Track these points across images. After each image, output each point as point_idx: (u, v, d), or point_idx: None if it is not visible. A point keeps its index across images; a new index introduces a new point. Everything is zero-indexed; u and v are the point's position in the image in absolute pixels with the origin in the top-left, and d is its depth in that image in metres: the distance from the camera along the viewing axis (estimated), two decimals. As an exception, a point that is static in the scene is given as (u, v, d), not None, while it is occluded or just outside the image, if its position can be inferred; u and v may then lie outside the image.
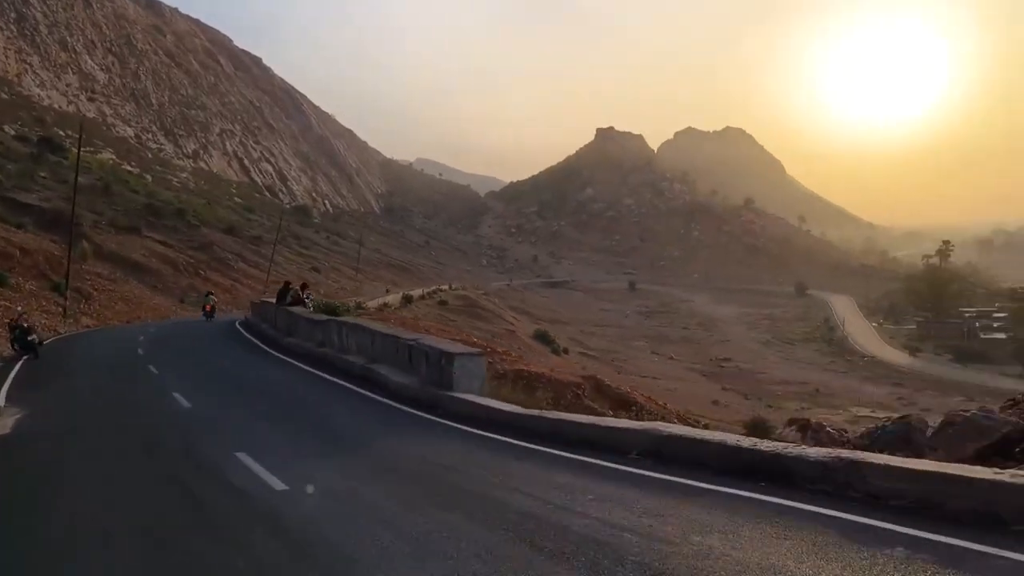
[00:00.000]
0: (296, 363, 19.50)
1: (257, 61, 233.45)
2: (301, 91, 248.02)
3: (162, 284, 49.54)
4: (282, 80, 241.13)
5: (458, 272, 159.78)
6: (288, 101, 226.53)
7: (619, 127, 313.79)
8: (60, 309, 35.27)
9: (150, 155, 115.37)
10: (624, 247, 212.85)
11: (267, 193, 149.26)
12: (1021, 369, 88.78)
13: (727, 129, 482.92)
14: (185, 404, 13.48)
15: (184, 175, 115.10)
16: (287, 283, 28.25)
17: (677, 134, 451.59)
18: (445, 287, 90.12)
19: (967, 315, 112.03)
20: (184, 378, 17.06)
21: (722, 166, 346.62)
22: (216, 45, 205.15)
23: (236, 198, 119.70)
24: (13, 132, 66.49)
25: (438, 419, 11.27)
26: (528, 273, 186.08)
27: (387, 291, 70.24)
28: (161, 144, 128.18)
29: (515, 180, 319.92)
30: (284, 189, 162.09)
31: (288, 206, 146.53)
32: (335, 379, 16.34)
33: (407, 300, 62.14)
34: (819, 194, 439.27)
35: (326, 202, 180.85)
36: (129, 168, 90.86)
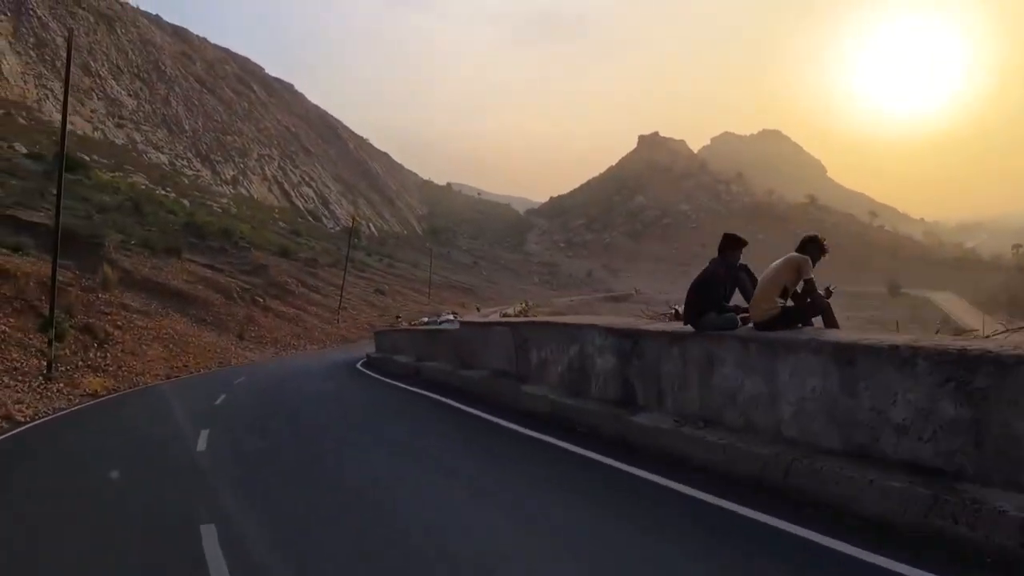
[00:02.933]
0: None
1: (289, 87, 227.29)
2: (335, 116, 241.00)
3: (212, 316, 38.14)
4: (315, 106, 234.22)
5: (512, 291, 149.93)
6: (323, 126, 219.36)
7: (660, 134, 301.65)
8: (40, 364, 21.32)
9: (187, 181, 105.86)
10: (685, 255, 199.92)
11: (310, 218, 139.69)
12: None
13: (764, 132, 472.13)
14: None
15: (225, 200, 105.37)
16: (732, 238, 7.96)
17: (714, 139, 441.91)
18: (522, 305, 78.76)
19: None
20: None
21: (764, 169, 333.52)
22: (247, 73, 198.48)
23: (280, 223, 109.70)
24: (25, 150, 56.30)
25: None
26: (585, 288, 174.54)
27: (478, 310, 59.89)
28: (198, 170, 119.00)
29: (555, 195, 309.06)
30: (327, 213, 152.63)
31: (334, 229, 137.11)
32: None
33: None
34: (866, 193, 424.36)
35: (370, 225, 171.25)
36: (164, 192, 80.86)
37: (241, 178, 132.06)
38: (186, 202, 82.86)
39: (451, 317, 36.36)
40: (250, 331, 39.37)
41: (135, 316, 30.40)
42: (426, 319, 44.14)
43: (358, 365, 23.19)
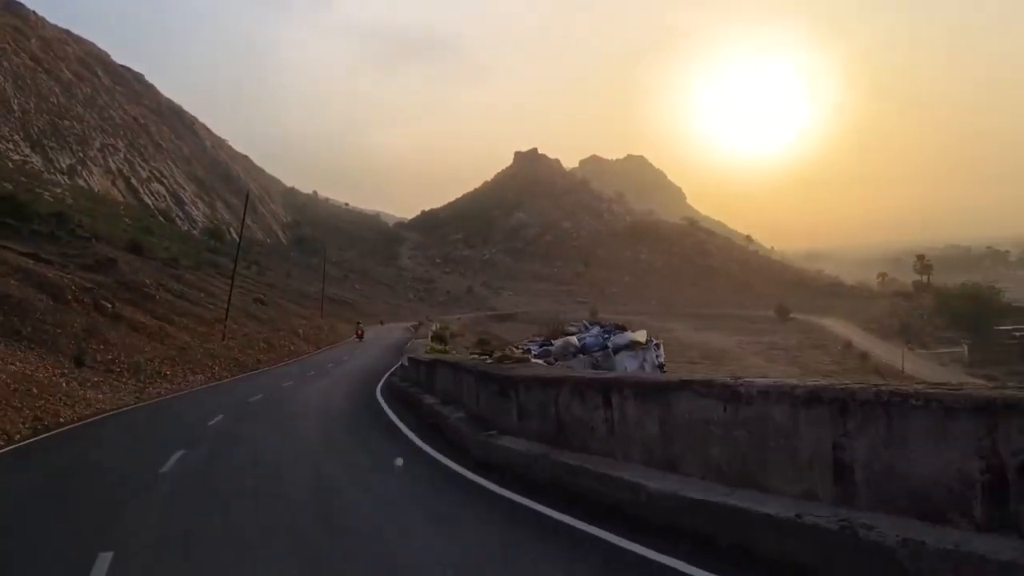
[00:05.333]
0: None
1: (139, 77, 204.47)
2: (190, 112, 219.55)
3: (32, 328, 24.28)
4: (168, 99, 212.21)
5: (391, 307, 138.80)
6: (177, 121, 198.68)
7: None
8: None
9: (11, 166, 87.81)
10: (568, 274, 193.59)
11: (161, 217, 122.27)
12: None
13: (629, 156, 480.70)
14: None
15: (59, 191, 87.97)
16: None
17: (583, 161, 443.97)
18: (438, 324, 68.10)
19: (1018, 334, 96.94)
20: None
21: (631, 193, 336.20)
22: (91, 56, 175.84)
23: (126, 219, 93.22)
24: None
25: None
26: (465, 306, 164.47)
27: (381, 323, 48.42)
28: (27, 156, 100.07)
29: (427, 209, 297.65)
30: (181, 214, 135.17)
31: (192, 231, 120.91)
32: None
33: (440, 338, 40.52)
34: (722, 221, 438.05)
35: (231, 230, 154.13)
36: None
37: (80, 168, 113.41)
38: (8, 185, 66.45)
39: (632, 332, 18.89)
40: (95, 352, 25.79)
41: None
42: (556, 342, 20.82)
43: (473, 476, 8.20)
